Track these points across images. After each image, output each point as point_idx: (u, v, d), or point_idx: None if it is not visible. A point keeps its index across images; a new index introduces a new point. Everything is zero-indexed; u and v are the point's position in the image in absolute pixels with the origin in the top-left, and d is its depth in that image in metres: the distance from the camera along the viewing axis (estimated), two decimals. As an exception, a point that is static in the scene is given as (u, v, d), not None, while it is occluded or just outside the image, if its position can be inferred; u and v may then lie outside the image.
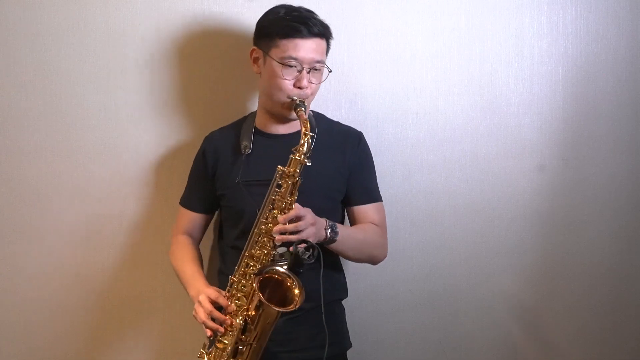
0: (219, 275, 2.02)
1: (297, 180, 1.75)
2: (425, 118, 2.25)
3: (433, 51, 2.23)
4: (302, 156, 1.75)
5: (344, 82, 2.21)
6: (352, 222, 2.02)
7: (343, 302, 2.06)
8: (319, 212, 1.83)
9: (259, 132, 1.95)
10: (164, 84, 2.17)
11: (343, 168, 1.95)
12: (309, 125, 1.77)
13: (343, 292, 2.06)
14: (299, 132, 1.91)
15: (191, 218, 2.06)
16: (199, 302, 1.78)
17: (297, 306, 1.69)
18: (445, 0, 2.21)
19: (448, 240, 2.30)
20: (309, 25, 1.81)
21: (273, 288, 1.75)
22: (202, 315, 1.75)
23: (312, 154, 1.85)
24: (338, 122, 2.06)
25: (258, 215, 1.80)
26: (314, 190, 1.88)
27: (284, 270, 1.72)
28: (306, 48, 1.81)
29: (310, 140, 1.76)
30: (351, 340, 2.06)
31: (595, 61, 2.27)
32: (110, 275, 2.23)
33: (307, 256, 1.68)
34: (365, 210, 1.99)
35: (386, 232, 2.03)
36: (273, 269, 1.73)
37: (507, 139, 2.27)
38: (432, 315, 2.33)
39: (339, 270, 2.04)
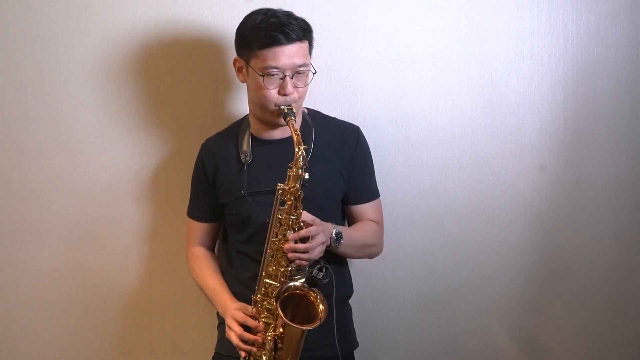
0: (225, 277, 2.02)
1: (299, 194, 1.75)
2: (425, 118, 2.25)
3: (433, 51, 2.23)
4: (300, 170, 1.74)
5: (344, 82, 2.20)
6: (351, 220, 2.03)
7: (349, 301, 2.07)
8: (322, 214, 1.83)
9: (256, 139, 1.94)
10: (164, 85, 2.17)
11: (343, 168, 1.95)
12: (300, 138, 1.75)
13: (349, 289, 2.06)
14: None
15: (201, 229, 2.06)
16: (229, 326, 1.82)
17: (321, 322, 1.71)
18: (445, 0, 2.21)
19: (448, 240, 2.30)
20: (287, 31, 1.77)
21: (296, 303, 1.77)
22: (234, 339, 1.80)
23: (312, 154, 1.86)
24: (334, 118, 2.05)
25: (268, 235, 1.80)
26: (317, 192, 1.87)
27: (303, 285, 1.75)
28: (286, 55, 1.78)
29: (304, 153, 1.74)
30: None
31: (596, 61, 2.26)
32: (110, 276, 2.23)
33: (321, 276, 1.70)
34: (365, 209, 2.00)
35: (383, 227, 2.04)
36: (291, 287, 1.75)
37: (507, 139, 2.27)
38: (432, 315, 2.33)
39: (344, 266, 2.04)
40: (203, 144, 2.03)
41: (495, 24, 2.23)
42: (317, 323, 1.71)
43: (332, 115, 2.07)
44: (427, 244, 2.29)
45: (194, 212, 2.07)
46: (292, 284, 1.76)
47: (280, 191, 1.76)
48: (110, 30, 2.13)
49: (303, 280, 1.75)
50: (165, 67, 2.16)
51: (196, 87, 2.18)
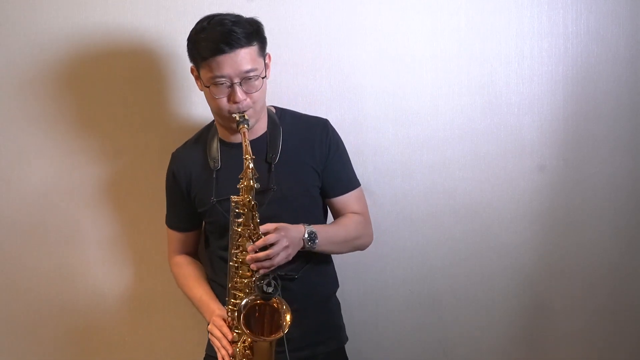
0: (210, 282, 2.02)
1: (253, 205, 1.73)
2: (425, 118, 2.25)
3: (433, 51, 2.23)
4: (250, 181, 1.72)
5: (344, 82, 2.21)
6: (334, 213, 2.01)
7: (337, 294, 2.05)
8: (297, 212, 1.84)
9: (224, 143, 1.92)
10: (163, 83, 2.17)
11: (315, 162, 1.92)
12: (249, 148, 1.73)
13: (334, 284, 2.05)
14: (262, 136, 1.90)
15: (180, 238, 2.06)
16: (210, 332, 1.84)
17: (284, 331, 1.70)
18: (445, 0, 2.21)
19: (448, 240, 2.30)
20: (229, 40, 1.72)
21: (262, 312, 1.77)
22: (217, 343, 1.82)
23: (281, 153, 1.86)
24: (303, 114, 2.01)
25: (229, 248, 1.79)
26: (290, 190, 1.86)
27: (260, 296, 1.73)
28: (230, 63, 1.74)
29: (252, 164, 1.72)
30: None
31: (596, 61, 2.27)
32: (110, 276, 2.24)
33: (271, 290, 1.69)
34: (346, 200, 1.97)
35: (369, 216, 2.02)
36: (249, 301, 1.74)
37: (507, 139, 2.27)
38: (432, 315, 2.33)
39: (328, 262, 2.02)
40: (173, 155, 2.01)
41: (495, 24, 2.23)
42: (280, 334, 1.71)
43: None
44: (427, 244, 2.29)
45: (172, 223, 2.06)
46: (248, 299, 1.74)
47: (233, 204, 1.76)
48: (109, 29, 2.13)
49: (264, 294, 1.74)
50: (165, 66, 2.16)
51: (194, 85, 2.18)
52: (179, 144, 2.04)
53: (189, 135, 2.05)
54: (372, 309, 2.29)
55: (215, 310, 1.89)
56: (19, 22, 2.12)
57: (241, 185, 1.74)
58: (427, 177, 2.27)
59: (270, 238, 1.72)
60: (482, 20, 2.22)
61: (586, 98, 2.27)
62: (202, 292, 1.97)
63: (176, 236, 2.06)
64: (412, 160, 2.26)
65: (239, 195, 1.75)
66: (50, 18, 2.12)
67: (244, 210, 1.74)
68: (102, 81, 2.16)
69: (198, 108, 2.15)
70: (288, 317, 1.72)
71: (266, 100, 1.89)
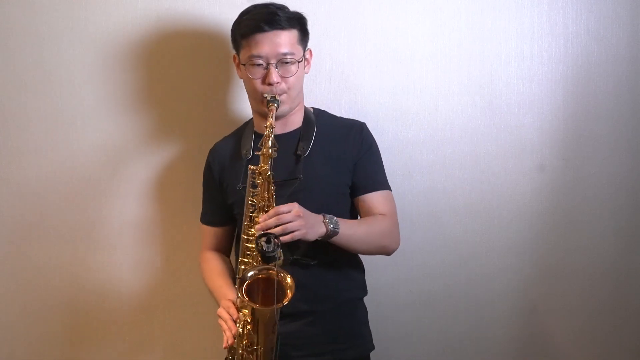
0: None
1: (269, 175, 1.72)
2: (425, 118, 2.25)
3: (433, 51, 2.23)
4: (269, 150, 1.72)
5: (344, 82, 2.21)
6: (361, 213, 1.96)
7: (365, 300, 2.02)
8: (324, 208, 1.80)
9: (258, 135, 1.92)
10: (164, 86, 2.17)
11: (347, 160, 1.91)
12: (273, 121, 1.73)
13: (361, 290, 2.00)
14: (295, 131, 1.90)
15: (213, 233, 2.04)
16: (219, 315, 1.80)
17: (288, 298, 1.64)
18: (445, 0, 2.21)
19: (448, 240, 2.30)
20: (271, 20, 1.77)
21: (267, 287, 1.71)
22: (224, 325, 1.77)
23: (312, 148, 1.85)
24: (340, 117, 2.02)
25: (242, 219, 1.78)
26: (318, 185, 1.86)
27: (264, 267, 1.68)
28: (268, 43, 1.77)
29: (271, 133, 1.72)
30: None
31: (596, 61, 2.27)
32: (110, 275, 2.24)
33: (270, 249, 1.59)
34: (372, 199, 1.92)
35: (396, 220, 1.96)
36: (252, 273, 1.69)
37: (507, 139, 2.27)
38: (432, 315, 2.33)
39: (356, 267, 1.99)
40: (210, 149, 2.02)
41: (495, 24, 2.23)
42: (286, 300, 1.63)
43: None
44: (427, 244, 2.29)
45: (205, 217, 2.05)
46: (252, 272, 1.69)
47: (250, 172, 1.75)
48: (110, 30, 2.13)
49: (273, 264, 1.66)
50: (166, 67, 2.16)
51: (194, 89, 2.18)
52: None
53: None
54: (371, 309, 2.28)
55: (229, 296, 1.86)
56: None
57: (260, 152, 1.73)
58: (427, 177, 2.27)
59: (282, 207, 1.68)
60: (482, 20, 2.22)
61: (586, 98, 2.28)
62: (222, 283, 1.93)
63: (209, 231, 2.05)
64: (412, 160, 2.26)
65: (258, 165, 1.73)
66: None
67: (260, 179, 1.73)
68: (106, 78, 2.16)
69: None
70: (289, 280, 1.65)
71: (304, 98, 1.92)
